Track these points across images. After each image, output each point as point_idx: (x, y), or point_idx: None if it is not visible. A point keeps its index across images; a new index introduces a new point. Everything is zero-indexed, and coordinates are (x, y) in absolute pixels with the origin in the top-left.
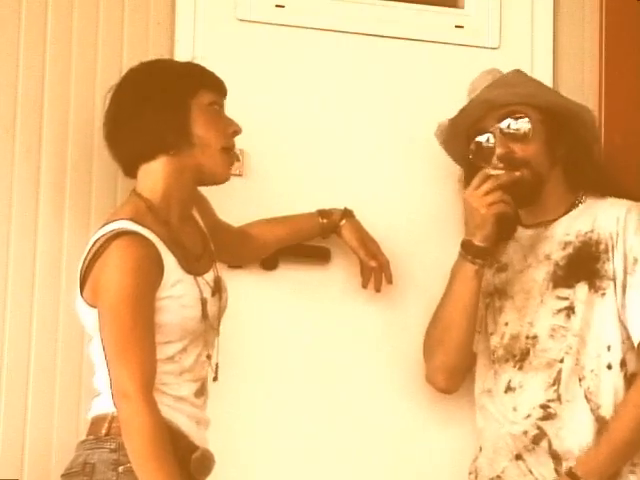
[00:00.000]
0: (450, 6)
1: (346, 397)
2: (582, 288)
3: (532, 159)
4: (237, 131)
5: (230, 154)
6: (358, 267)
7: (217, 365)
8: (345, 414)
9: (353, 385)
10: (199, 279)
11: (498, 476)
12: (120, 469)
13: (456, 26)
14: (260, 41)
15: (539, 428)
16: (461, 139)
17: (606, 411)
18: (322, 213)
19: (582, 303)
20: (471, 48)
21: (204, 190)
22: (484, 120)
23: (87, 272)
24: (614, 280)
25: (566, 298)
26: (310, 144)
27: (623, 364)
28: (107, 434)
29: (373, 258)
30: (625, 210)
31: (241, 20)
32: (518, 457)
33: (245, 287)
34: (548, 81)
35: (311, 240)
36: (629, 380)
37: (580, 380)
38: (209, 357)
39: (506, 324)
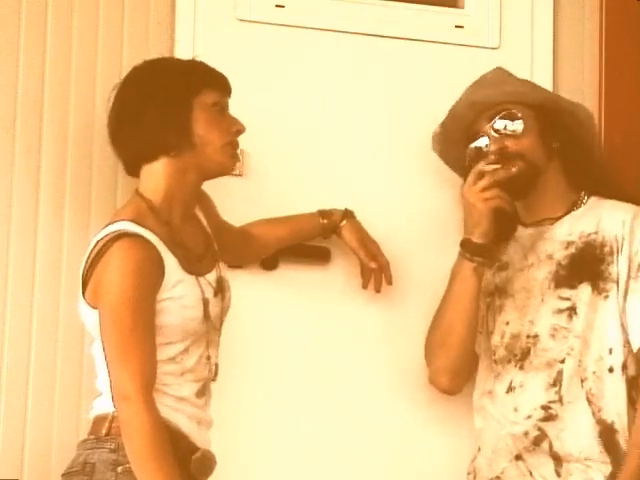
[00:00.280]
0: (450, 6)
1: (345, 397)
2: (585, 289)
3: (526, 152)
4: (241, 130)
5: (233, 147)
6: (358, 267)
7: (217, 365)
8: (344, 414)
9: (352, 385)
10: (201, 279)
11: (497, 477)
12: (119, 469)
13: (456, 26)
14: (260, 41)
15: (540, 429)
16: (457, 146)
17: (607, 414)
18: (323, 213)
19: (585, 305)
20: (471, 48)
21: (205, 188)
22: (476, 123)
23: (89, 273)
24: (617, 283)
25: (568, 299)
26: (310, 144)
27: (624, 367)
28: (107, 434)
29: (373, 259)
30: (632, 215)
31: (241, 20)
32: (518, 457)
33: (245, 287)
34: (548, 81)
35: (312, 240)
36: (630, 383)
37: (582, 382)
38: (209, 358)
39: (507, 323)
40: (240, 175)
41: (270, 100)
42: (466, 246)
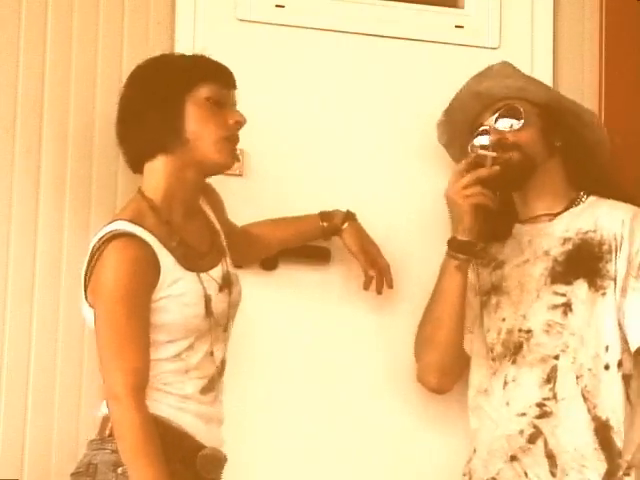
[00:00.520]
0: (450, 6)
1: (345, 397)
2: (581, 286)
3: (523, 144)
4: (240, 121)
5: (231, 141)
6: (358, 268)
7: (223, 361)
8: (343, 414)
9: (352, 385)
10: (203, 275)
11: (493, 478)
12: (119, 470)
13: (456, 26)
14: (260, 41)
15: (535, 427)
16: (463, 137)
17: (602, 411)
18: (324, 216)
19: (581, 301)
20: (471, 48)
21: None
22: (482, 116)
23: (89, 274)
24: (615, 280)
25: (563, 294)
26: (310, 144)
27: (620, 365)
28: (110, 435)
29: (373, 265)
30: (632, 215)
31: (241, 20)
32: (513, 458)
33: (245, 287)
34: (548, 81)
35: (313, 242)
36: (626, 380)
37: (577, 378)
38: (212, 354)
39: (503, 320)
40: (240, 175)
41: (270, 100)
42: (450, 243)
